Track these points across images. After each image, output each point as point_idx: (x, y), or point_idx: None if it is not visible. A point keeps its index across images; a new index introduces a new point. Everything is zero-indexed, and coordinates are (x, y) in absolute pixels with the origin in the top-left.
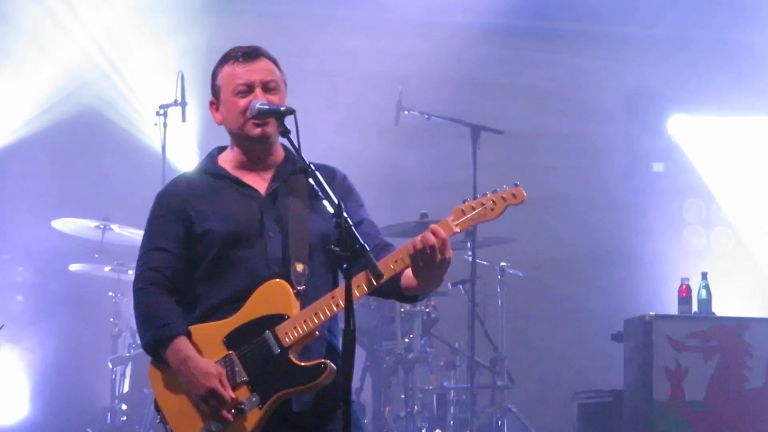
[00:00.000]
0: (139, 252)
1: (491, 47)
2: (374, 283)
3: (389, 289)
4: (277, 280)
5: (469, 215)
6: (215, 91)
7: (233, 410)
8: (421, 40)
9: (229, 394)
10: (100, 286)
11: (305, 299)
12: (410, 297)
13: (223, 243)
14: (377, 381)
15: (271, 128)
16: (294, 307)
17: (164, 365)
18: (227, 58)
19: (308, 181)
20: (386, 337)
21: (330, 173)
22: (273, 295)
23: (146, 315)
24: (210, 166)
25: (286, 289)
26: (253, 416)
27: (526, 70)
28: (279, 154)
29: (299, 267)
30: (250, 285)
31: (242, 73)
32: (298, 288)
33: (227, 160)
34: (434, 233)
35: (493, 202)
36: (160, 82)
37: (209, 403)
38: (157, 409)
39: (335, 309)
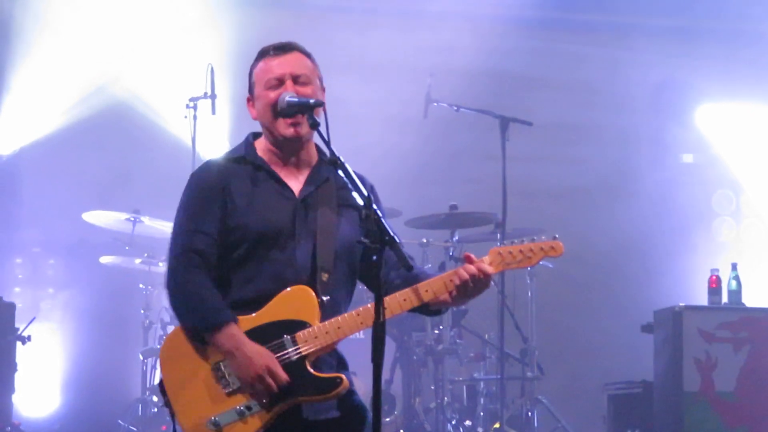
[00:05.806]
0: (175, 230)
1: (520, 39)
2: (413, 304)
3: (415, 307)
4: (304, 286)
5: (506, 261)
6: (251, 86)
7: (242, 408)
8: (450, 32)
9: (285, 374)
10: (131, 278)
11: (326, 309)
12: (435, 312)
13: (254, 241)
14: (407, 372)
15: (304, 129)
16: (317, 316)
17: (177, 349)
18: (261, 54)
19: (336, 191)
20: (416, 329)
21: (359, 179)
22: (298, 301)
23: (195, 298)
24: (250, 155)
25: (311, 297)
26: (261, 417)
27: (554, 62)
28: (312, 153)
29: (324, 276)
30: (276, 288)
31: (274, 66)
32: (323, 298)
33: (264, 150)
34: (483, 272)
35: (532, 251)
36: (189, 75)
37: (262, 383)
38: (163, 391)
39: (360, 327)
